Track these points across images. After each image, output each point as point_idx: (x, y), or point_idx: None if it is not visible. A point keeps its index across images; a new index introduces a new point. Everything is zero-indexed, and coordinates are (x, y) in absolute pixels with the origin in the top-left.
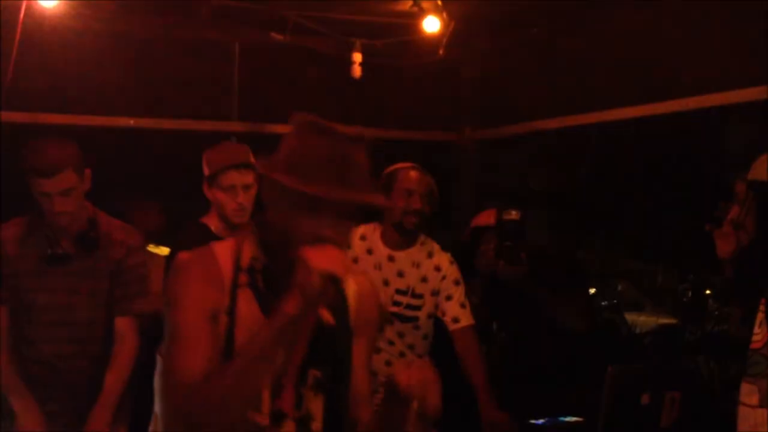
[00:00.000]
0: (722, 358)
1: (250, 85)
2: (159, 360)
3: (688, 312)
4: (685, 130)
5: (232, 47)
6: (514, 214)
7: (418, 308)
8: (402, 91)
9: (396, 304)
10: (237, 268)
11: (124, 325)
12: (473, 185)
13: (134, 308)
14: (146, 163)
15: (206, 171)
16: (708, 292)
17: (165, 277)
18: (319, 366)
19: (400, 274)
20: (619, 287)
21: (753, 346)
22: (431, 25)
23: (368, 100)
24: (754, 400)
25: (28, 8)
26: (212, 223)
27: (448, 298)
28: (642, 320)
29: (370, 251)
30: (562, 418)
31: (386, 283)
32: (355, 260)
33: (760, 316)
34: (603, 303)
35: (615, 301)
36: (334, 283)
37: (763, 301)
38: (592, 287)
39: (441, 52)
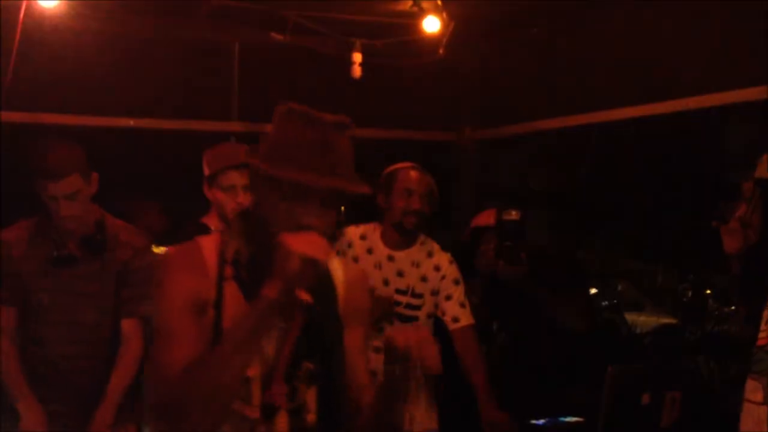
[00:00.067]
0: (722, 358)
1: (250, 85)
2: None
3: (688, 312)
4: (685, 130)
5: (232, 47)
6: (514, 214)
7: (417, 308)
8: (402, 91)
9: (396, 303)
10: (222, 260)
11: (130, 326)
12: (473, 185)
13: (140, 310)
14: (146, 163)
15: (206, 171)
16: (708, 292)
17: None
18: (311, 358)
19: (400, 274)
20: (619, 287)
21: (759, 343)
22: (431, 25)
23: (368, 100)
24: (759, 396)
25: (28, 8)
26: (212, 223)
27: (448, 297)
28: (642, 320)
29: (370, 251)
30: (562, 418)
31: (386, 282)
32: (355, 260)
33: (766, 313)
34: (603, 303)
35: (615, 301)
36: (314, 267)
37: None
38: (592, 287)
39: (441, 52)
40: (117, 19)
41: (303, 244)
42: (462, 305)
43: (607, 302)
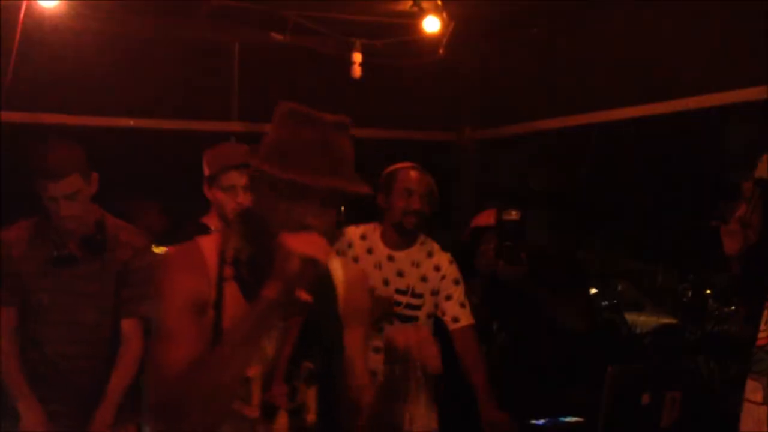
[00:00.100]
0: (722, 358)
1: (250, 85)
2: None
3: (688, 312)
4: (685, 130)
5: (232, 47)
6: (514, 214)
7: (417, 308)
8: (402, 91)
9: (396, 303)
10: (222, 260)
11: (130, 326)
12: (473, 185)
13: (141, 310)
14: (146, 163)
15: (206, 171)
16: (708, 292)
17: None
18: (311, 358)
19: (400, 274)
20: (619, 287)
21: (759, 343)
22: (431, 25)
23: (368, 100)
24: (759, 396)
25: (28, 8)
26: (212, 223)
27: (448, 297)
28: (642, 320)
29: (370, 251)
30: (562, 418)
31: (386, 282)
32: (355, 260)
33: (766, 313)
34: (603, 303)
35: (615, 301)
36: (314, 267)
37: None
38: (592, 287)
39: (441, 52)
40: (117, 19)
41: (303, 244)
42: (462, 305)
43: (607, 302)
